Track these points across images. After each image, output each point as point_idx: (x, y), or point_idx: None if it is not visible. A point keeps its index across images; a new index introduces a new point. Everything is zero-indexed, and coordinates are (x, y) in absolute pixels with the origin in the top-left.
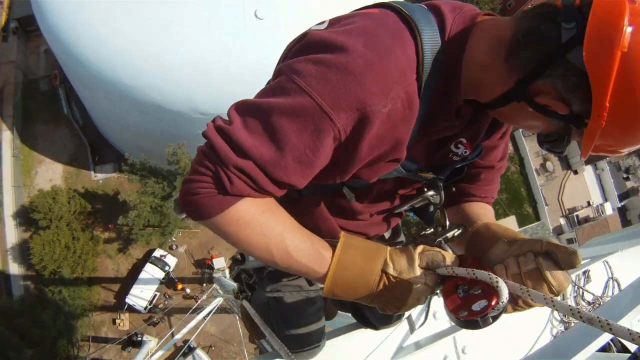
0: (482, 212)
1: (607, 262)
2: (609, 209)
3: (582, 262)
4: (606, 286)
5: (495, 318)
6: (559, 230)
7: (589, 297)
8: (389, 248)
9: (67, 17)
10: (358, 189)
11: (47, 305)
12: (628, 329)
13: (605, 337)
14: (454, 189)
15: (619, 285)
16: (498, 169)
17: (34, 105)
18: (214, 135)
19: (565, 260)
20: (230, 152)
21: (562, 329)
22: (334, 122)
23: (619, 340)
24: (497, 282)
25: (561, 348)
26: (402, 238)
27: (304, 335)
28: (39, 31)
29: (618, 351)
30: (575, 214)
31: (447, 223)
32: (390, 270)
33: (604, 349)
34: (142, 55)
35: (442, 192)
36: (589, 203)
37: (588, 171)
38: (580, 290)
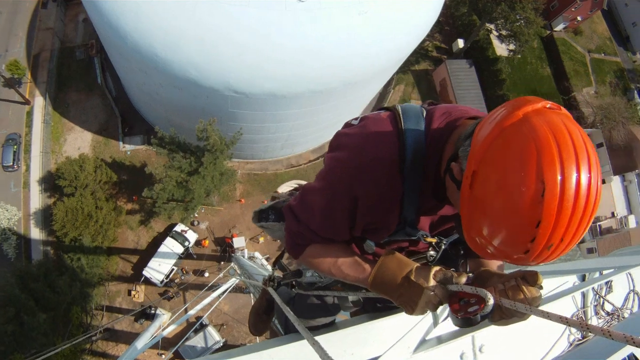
0: (491, 263)
1: (630, 275)
2: (633, 222)
3: (607, 271)
4: (627, 298)
5: (483, 318)
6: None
7: (608, 307)
8: (417, 264)
9: None
10: (379, 243)
11: (64, 272)
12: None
13: (629, 349)
14: (462, 251)
15: (639, 298)
16: None
17: (69, 73)
18: (285, 211)
19: (530, 279)
20: (294, 221)
21: (580, 337)
22: (337, 199)
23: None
24: (486, 294)
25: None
26: None
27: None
28: None
29: None
30: (598, 223)
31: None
32: (412, 277)
33: None
34: (180, 30)
35: (439, 253)
36: (613, 214)
37: (616, 182)
38: (601, 299)
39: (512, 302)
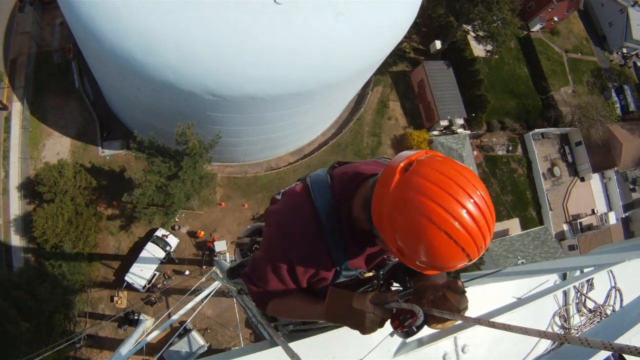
0: (432, 277)
1: (611, 272)
2: (612, 219)
3: (588, 269)
4: (608, 295)
5: (418, 328)
6: (561, 236)
7: (590, 305)
8: (356, 293)
9: None
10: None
11: (46, 279)
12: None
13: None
14: (407, 277)
15: (621, 295)
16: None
17: (46, 78)
18: (243, 278)
19: (454, 287)
20: (252, 286)
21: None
22: (278, 265)
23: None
24: (418, 310)
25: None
26: None
27: None
28: (56, 3)
29: None
30: (578, 220)
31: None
32: (355, 304)
33: None
34: (157, 33)
35: (380, 281)
36: (593, 211)
37: (595, 179)
38: (583, 297)
39: (440, 311)
